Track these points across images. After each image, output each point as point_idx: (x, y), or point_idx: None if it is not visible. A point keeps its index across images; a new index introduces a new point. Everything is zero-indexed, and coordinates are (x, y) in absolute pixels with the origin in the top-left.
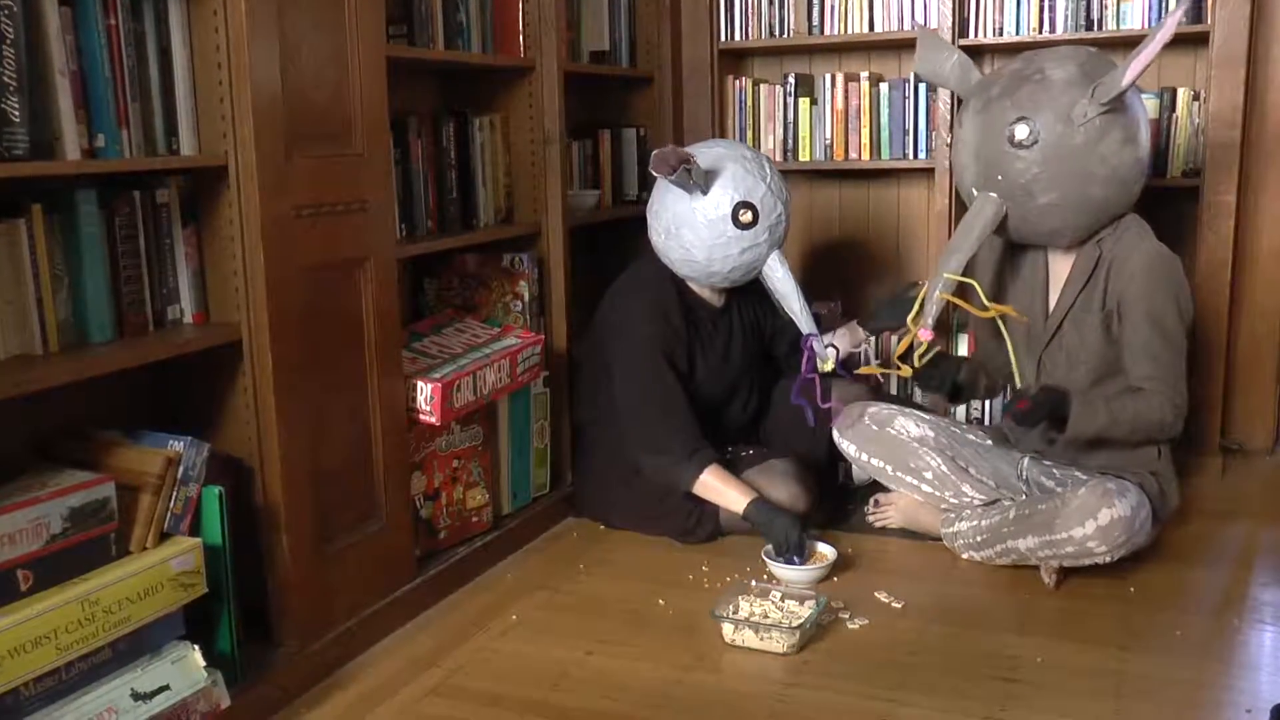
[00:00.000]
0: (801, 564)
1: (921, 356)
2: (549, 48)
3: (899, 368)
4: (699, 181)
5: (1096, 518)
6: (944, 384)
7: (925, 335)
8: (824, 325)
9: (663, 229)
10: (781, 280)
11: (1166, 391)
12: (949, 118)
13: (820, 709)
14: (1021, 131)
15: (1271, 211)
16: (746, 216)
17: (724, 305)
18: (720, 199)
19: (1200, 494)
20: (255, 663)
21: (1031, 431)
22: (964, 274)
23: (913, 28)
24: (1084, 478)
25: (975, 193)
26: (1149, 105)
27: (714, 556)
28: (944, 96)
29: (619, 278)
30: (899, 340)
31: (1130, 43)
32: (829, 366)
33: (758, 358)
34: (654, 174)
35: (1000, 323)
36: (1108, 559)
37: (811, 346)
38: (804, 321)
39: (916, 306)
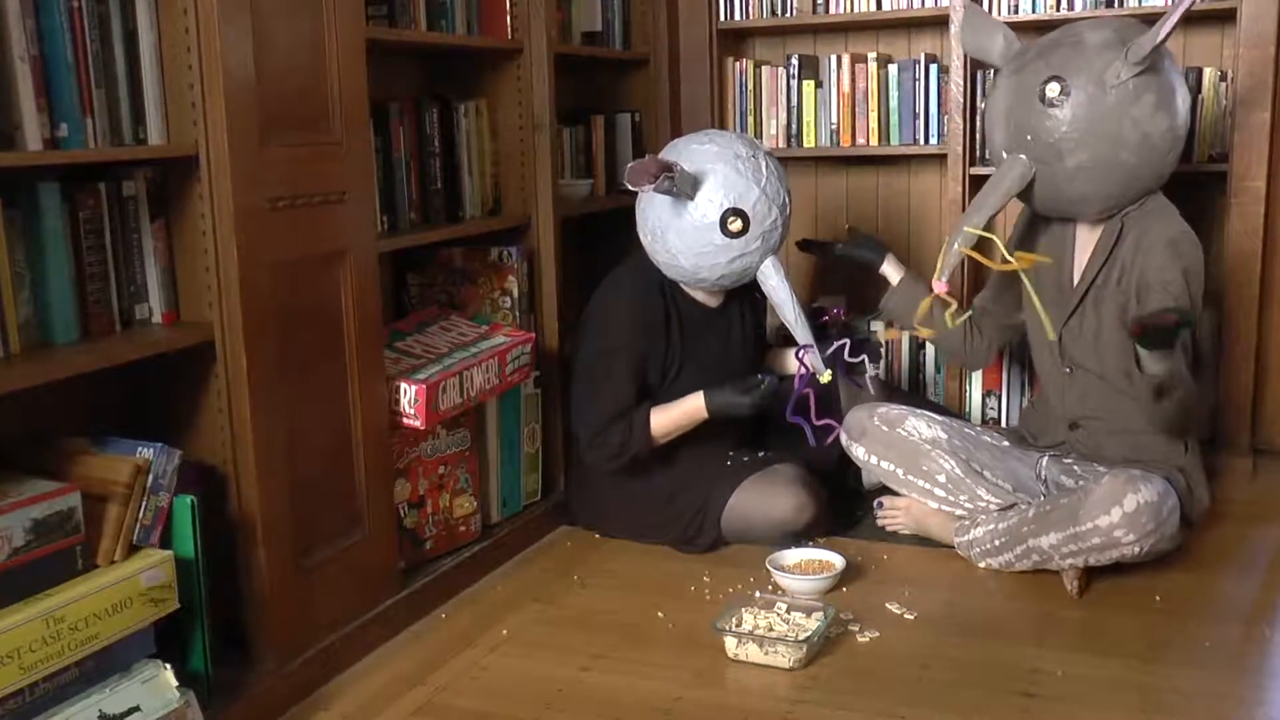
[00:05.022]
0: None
1: (955, 315)
2: (538, 28)
3: (918, 330)
4: (683, 188)
5: (1123, 504)
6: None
7: (940, 288)
8: (829, 335)
9: (648, 230)
10: (775, 288)
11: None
12: (962, 100)
13: None
14: (1053, 89)
15: None
16: (736, 225)
17: (721, 306)
18: (707, 206)
19: (1230, 497)
20: (230, 682)
21: (1049, 429)
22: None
23: (947, 4)
24: (1105, 471)
25: (1005, 156)
26: None
27: (716, 567)
28: (956, 78)
29: (609, 276)
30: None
31: (1152, 20)
32: (826, 378)
33: (760, 359)
34: (631, 188)
35: (1024, 279)
36: (1136, 549)
37: (806, 360)
38: (799, 332)
39: (940, 262)
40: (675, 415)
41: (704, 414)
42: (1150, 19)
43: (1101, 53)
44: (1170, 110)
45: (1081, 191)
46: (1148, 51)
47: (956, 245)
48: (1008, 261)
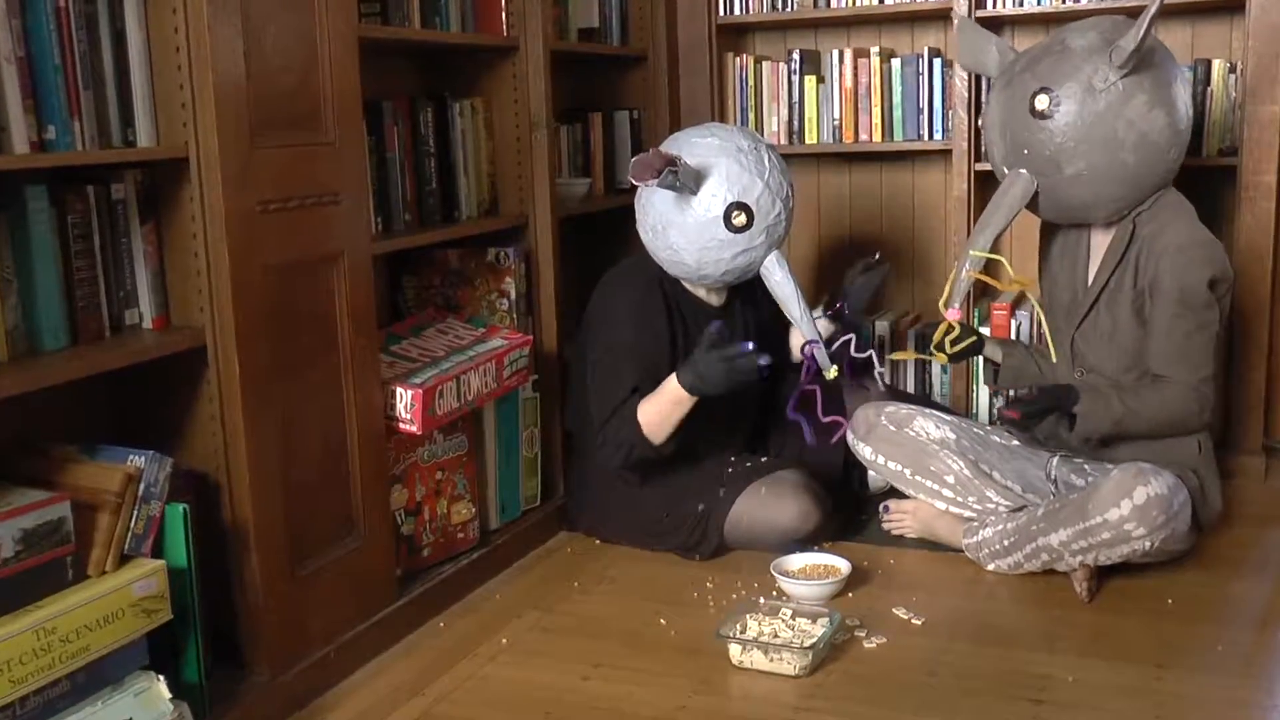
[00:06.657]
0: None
1: (954, 342)
2: (534, 25)
3: (934, 355)
4: (687, 182)
5: (1132, 496)
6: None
7: (953, 315)
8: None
9: (649, 227)
10: (780, 283)
11: (1189, 381)
12: (966, 95)
13: None
14: (1042, 102)
15: None
16: (740, 219)
17: (724, 304)
18: (711, 201)
19: (1242, 498)
20: (225, 693)
21: (1059, 430)
22: (992, 251)
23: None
24: (1114, 468)
25: (1006, 171)
26: None
27: (719, 573)
28: (960, 73)
29: (607, 274)
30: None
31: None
32: (833, 374)
33: (784, 337)
34: (634, 182)
35: (1031, 297)
36: (1147, 544)
37: (813, 354)
38: (805, 327)
39: (948, 289)
40: (660, 400)
41: (684, 394)
42: None
43: (1088, 57)
44: (1167, 105)
45: (1085, 198)
46: (1130, 52)
47: (965, 270)
48: (1009, 285)
